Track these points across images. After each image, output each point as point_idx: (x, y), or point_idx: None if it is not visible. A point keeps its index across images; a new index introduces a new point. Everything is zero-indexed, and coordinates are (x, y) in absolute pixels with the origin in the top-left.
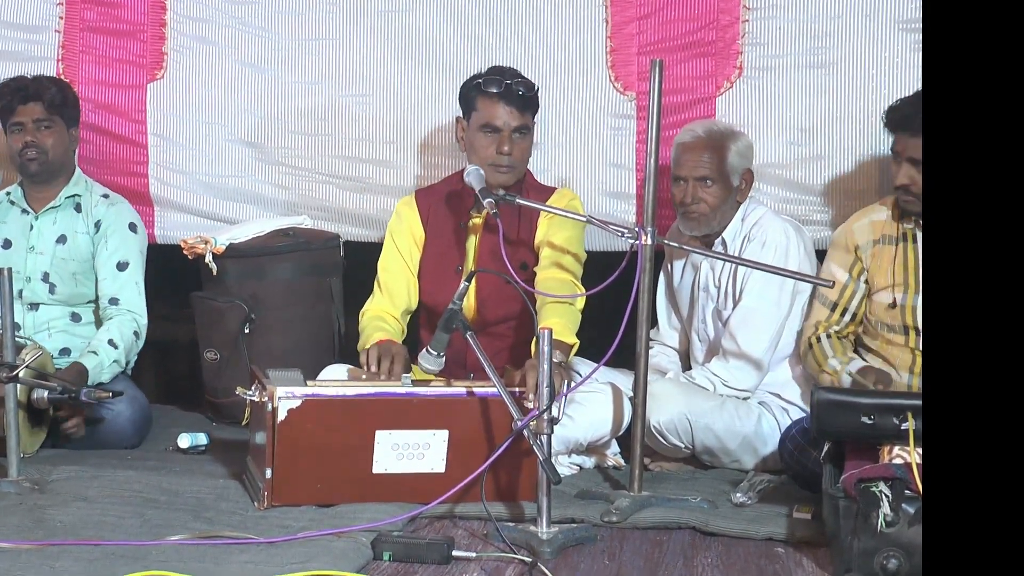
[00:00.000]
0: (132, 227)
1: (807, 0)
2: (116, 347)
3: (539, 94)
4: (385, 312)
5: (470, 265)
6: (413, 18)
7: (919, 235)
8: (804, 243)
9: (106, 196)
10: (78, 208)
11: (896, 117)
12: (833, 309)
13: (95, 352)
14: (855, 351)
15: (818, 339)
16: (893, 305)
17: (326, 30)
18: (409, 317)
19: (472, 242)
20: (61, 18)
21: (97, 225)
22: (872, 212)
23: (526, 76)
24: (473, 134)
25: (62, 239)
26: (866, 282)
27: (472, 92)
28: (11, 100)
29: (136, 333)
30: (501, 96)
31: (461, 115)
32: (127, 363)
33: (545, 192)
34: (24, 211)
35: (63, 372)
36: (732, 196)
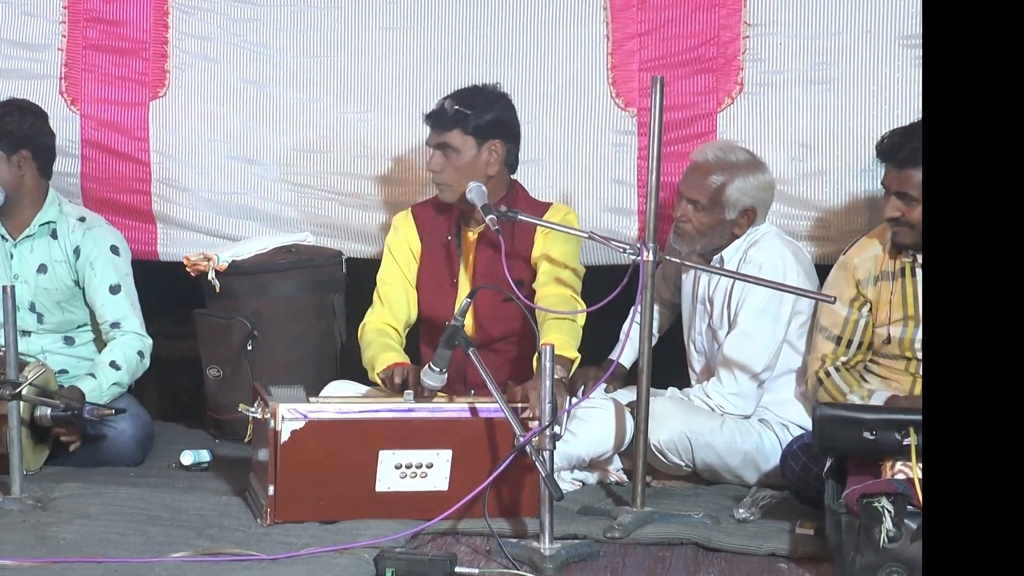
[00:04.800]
0: (114, 249)
1: (808, 16)
2: (118, 368)
3: (492, 113)
4: (387, 325)
5: (466, 277)
6: (415, 35)
7: (917, 269)
8: (803, 269)
9: (83, 220)
10: (54, 235)
11: (883, 149)
12: (838, 342)
13: (93, 375)
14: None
15: (827, 374)
16: (888, 341)
17: (327, 47)
18: (408, 330)
19: (468, 255)
20: (64, 36)
21: (76, 252)
22: (871, 246)
23: (478, 92)
24: None
25: (42, 269)
26: (869, 311)
27: None
28: None
29: (141, 353)
30: (428, 116)
31: None
32: (131, 383)
33: (540, 208)
34: (3, 238)
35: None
36: (723, 226)
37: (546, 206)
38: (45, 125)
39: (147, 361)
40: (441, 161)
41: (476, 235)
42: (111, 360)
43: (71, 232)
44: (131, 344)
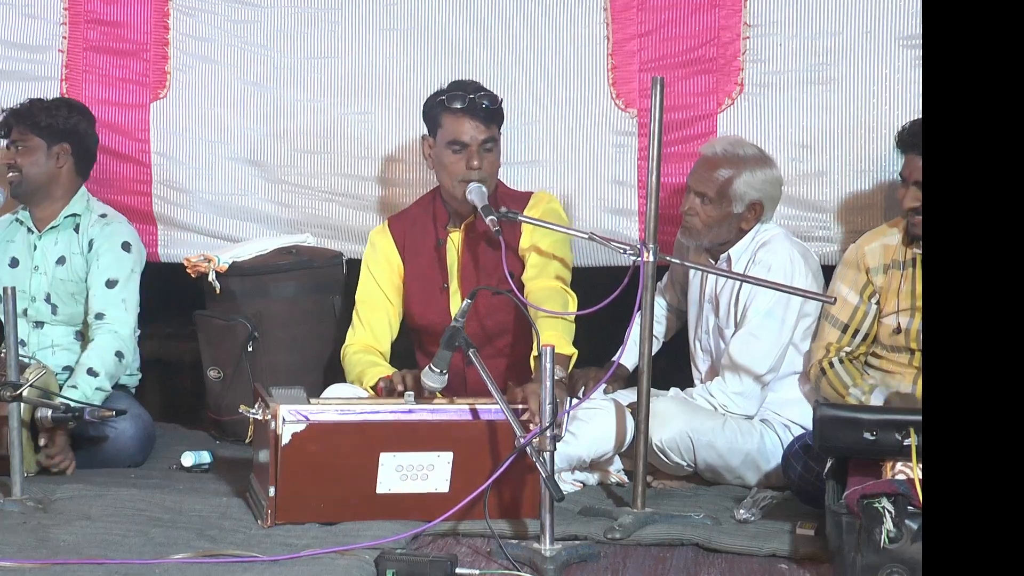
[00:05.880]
0: (126, 246)
1: (808, 17)
2: (96, 375)
3: (514, 107)
4: (370, 347)
5: (455, 281)
6: (415, 36)
7: None
8: (812, 271)
9: (104, 216)
10: (76, 229)
11: (904, 139)
12: (844, 330)
13: (75, 386)
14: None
15: (831, 364)
16: (898, 330)
17: (328, 48)
18: (390, 346)
19: (453, 257)
20: (64, 38)
21: (90, 244)
22: (884, 235)
23: (490, 89)
24: (441, 151)
25: (61, 260)
26: (877, 303)
27: (436, 109)
28: (6, 125)
29: (119, 353)
30: (466, 111)
31: (427, 133)
32: (121, 382)
33: (521, 198)
34: (29, 230)
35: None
36: (731, 220)
37: (527, 195)
38: (91, 127)
39: (128, 359)
40: (485, 157)
41: (460, 236)
42: (88, 367)
43: (91, 226)
44: (107, 346)
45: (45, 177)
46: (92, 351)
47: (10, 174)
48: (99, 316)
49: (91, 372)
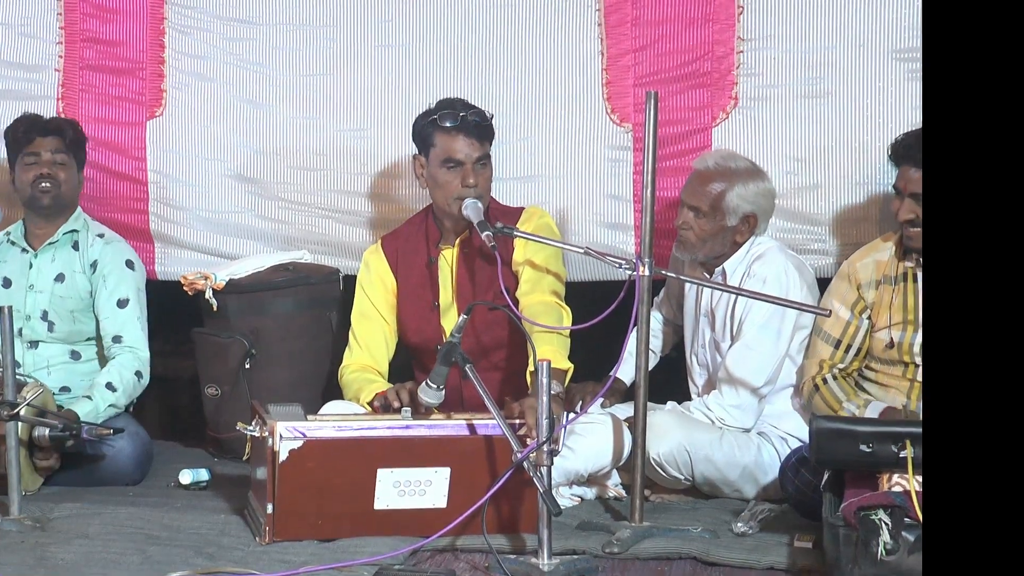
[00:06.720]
0: (129, 264)
1: (802, 30)
2: (114, 390)
3: (497, 122)
4: (367, 367)
5: (448, 298)
6: (411, 53)
7: (919, 274)
8: (806, 283)
9: (102, 236)
10: (75, 246)
11: (898, 151)
12: (837, 346)
13: (90, 397)
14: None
15: (824, 380)
16: (891, 345)
17: (324, 65)
18: (388, 363)
19: (446, 274)
20: (61, 57)
21: (94, 265)
22: (876, 251)
23: (478, 106)
24: (435, 170)
25: (60, 277)
26: (869, 318)
27: (428, 128)
28: (28, 132)
29: (138, 373)
30: (459, 129)
31: (418, 152)
32: (129, 403)
33: (513, 213)
34: (24, 250)
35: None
36: (725, 233)
37: (519, 211)
38: None
39: (146, 379)
40: (480, 173)
41: (454, 253)
42: (107, 382)
43: (90, 246)
44: (128, 364)
45: (74, 196)
46: (113, 368)
47: (44, 184)
48: (117, 339)
49: (109, 387)
